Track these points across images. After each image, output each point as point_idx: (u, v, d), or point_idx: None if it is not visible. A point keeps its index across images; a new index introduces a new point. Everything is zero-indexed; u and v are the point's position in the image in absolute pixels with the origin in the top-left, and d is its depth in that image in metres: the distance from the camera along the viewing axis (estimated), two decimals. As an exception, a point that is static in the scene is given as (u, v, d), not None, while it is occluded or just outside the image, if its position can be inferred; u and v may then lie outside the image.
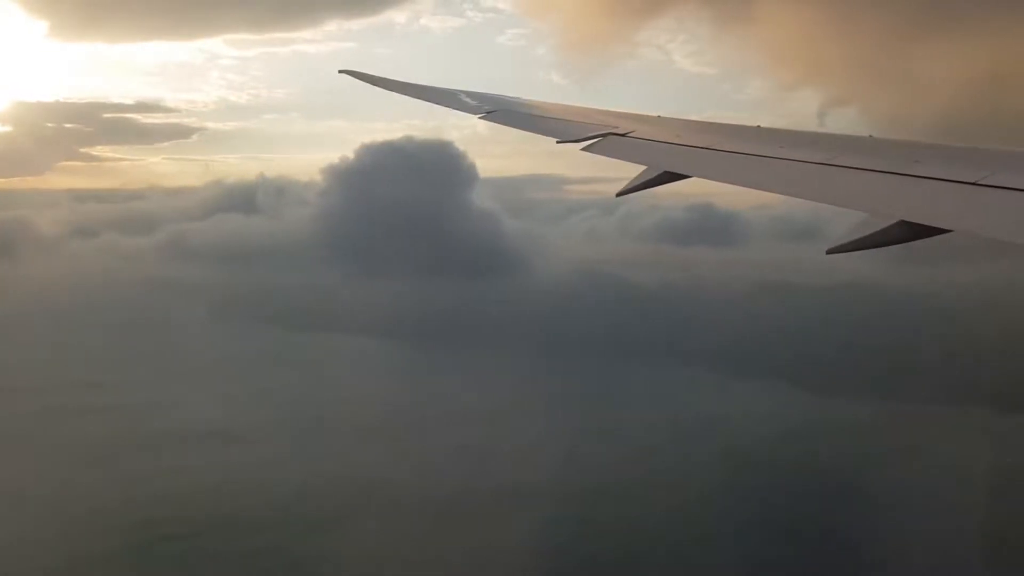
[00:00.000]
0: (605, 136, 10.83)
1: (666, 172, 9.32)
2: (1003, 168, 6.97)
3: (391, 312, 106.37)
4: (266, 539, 47.36)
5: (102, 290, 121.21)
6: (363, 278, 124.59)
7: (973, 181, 6.91)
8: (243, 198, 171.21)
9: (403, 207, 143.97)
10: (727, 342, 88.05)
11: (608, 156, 10.45)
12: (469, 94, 14.52)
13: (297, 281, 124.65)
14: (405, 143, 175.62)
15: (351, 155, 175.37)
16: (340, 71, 17.18)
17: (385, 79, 16.35)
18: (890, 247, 7.15)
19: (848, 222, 7.48)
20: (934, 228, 6.73)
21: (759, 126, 10.16)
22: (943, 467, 55.05)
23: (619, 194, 9.72)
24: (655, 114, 11.48)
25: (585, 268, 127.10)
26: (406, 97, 15.86)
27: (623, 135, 10.72)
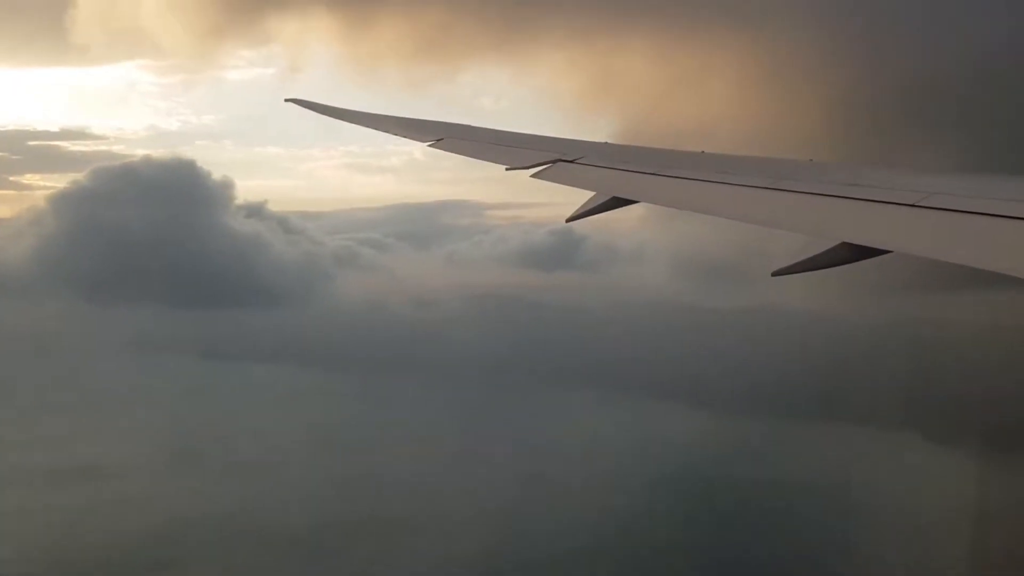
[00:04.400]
0: (554, 163, 10.95)
1: (615, 197, 9.46)
2: (938, 191, 7.21)
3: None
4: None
5: None
6: (88, 305, 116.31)
7: (911, 203, 7.15)
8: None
9: (136, 231, 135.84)
10: (586, 362, 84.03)
11: (557, 183, 10.57)
12: (419, 122, 14.55)
13: (16, 309, 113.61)
14: (142, 164, 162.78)
15: (82, 178, 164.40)
16: (287, 100, 17.11)
17: (333, 108, 16.31)
18: (833, 268, 7.35)
19: (791, 246, 7.68)
20: (875, 249, 6.92)
21: (703, 152, 10.38)
22: (839, 484, 54.81)
23: (569, 220, 9.84)
24: (603, 140, 11.66)
25: (381, 297, 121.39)
26: (343, 123, 15.84)
27: (571, 161, 10.85)
